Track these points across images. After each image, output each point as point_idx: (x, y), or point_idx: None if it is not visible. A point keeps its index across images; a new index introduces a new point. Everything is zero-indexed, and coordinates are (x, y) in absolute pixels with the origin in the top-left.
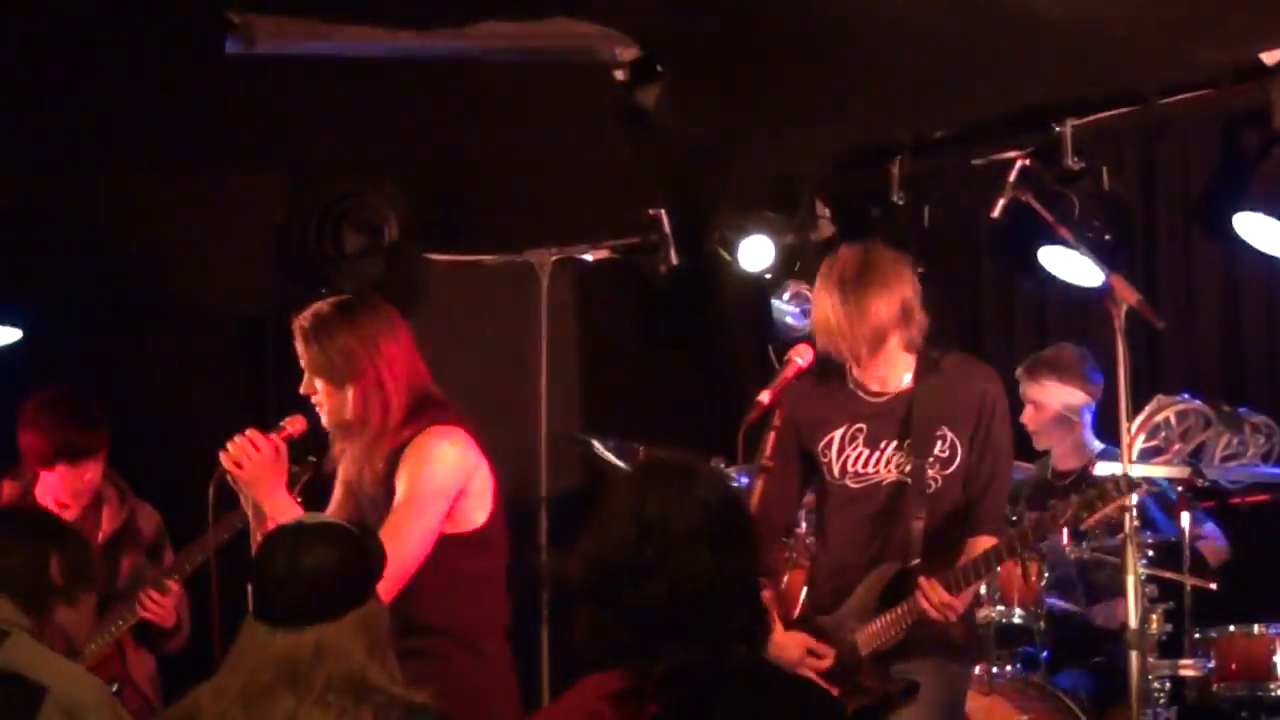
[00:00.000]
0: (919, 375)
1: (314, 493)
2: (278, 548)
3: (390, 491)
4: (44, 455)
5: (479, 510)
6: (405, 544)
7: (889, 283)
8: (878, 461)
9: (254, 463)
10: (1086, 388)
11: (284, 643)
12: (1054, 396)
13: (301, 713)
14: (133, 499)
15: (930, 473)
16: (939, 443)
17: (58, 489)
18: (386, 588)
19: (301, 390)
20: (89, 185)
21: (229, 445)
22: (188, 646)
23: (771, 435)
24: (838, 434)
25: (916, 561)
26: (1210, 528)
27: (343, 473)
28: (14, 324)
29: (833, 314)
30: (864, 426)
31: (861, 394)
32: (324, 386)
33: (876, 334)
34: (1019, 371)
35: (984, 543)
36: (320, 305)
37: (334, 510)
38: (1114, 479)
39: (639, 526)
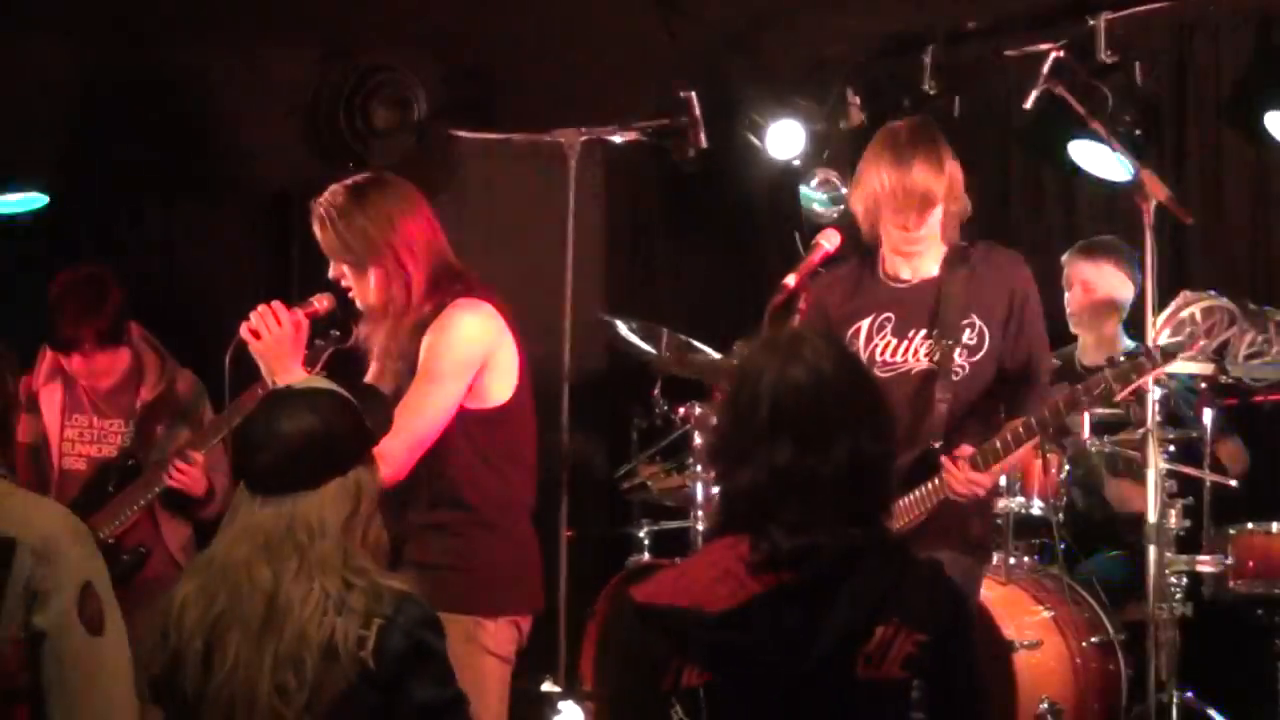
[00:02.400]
0: (947, 264)
1: (339, 368)
2: (259, 413)
3: (415, 365)
4: (59, 347)
5: (503, 386)
6: (422, 415)
7: (940, 152)
8: (906, 350)
9: (272, 335)
10: (1135, 280)
11: (262, 513)
12: (1108, 281)
13: (283, 585)
14: (173, 366)
15: (958, 360)
16: (967, 330)
17: (82, 372)
18: (403, 458)
19: (330, 275)
20: (119, 52)
21: (251, 315)
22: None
23: (797, 319)
24: (865, 323)
25: (939, 444)
26: (1236, 439)
27: (378, 350)
28: (39, 189)
29: (885, 176)
30: (891, 315)
31: (889, 282)
32: (348, 270)
33: (925, 198)
34: (1069, 255)
35: (1018, 424)
36: (334, 189)
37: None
38: (1148, 349)
39: (733, 415)
